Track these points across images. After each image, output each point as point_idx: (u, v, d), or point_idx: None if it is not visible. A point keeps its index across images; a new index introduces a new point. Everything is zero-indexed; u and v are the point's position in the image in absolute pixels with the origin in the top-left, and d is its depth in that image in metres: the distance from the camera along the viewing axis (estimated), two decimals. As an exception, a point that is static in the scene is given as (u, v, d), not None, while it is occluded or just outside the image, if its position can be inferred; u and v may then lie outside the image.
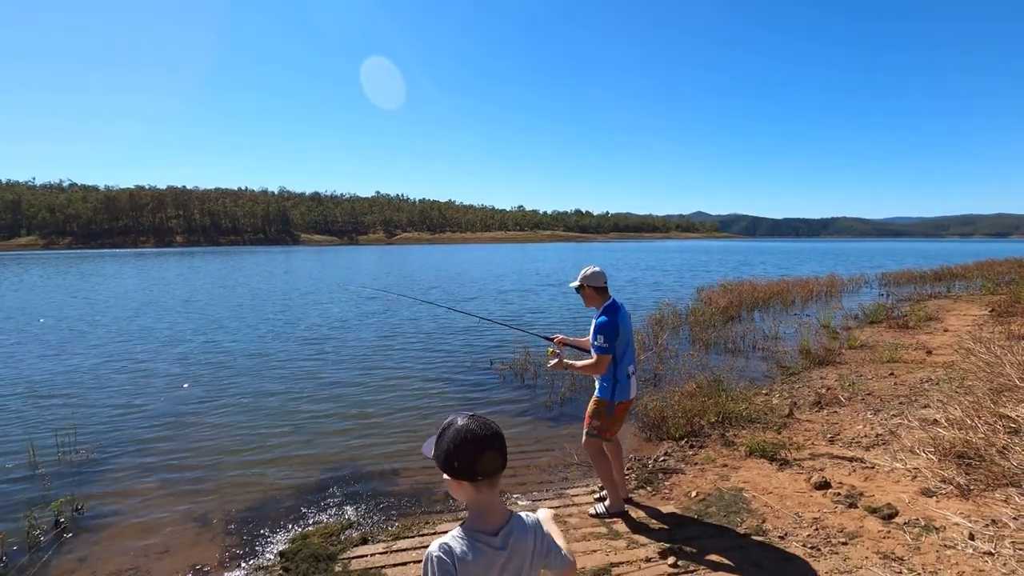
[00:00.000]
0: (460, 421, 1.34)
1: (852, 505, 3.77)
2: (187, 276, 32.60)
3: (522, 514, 1.43)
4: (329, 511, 4.38)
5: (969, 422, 4.64)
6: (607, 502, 3.96)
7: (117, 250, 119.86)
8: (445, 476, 1.34)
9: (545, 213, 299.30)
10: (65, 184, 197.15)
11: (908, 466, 4.28)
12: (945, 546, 3.18)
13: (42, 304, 18.73)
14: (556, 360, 3.77)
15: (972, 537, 3.20)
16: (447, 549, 1.29)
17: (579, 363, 3.77)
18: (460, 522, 1.38)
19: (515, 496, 4.45)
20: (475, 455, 1.30)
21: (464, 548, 1.29)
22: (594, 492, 4.34)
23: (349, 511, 4.36)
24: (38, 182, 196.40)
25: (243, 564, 3.68)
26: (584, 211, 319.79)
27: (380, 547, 3.68)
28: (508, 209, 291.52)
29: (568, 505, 4.16)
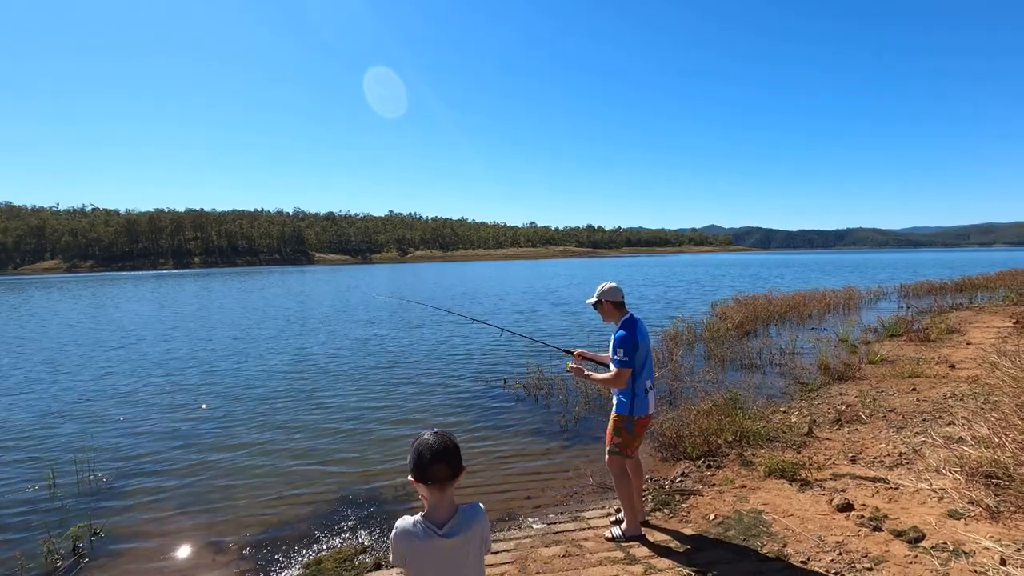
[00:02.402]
0: (424, 436, 1.73)
1: (876, 528, 3.67)
2: (204, 300, 33.10)
3: (467, 507, 1.79)
4: (343, 536, 4.36)
5: (996, 440, 4.51)
6: (624, 525, 3.89)
7: (137, 272, 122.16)
8: (409, 476, 1.73)
9: (557, 229, 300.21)
10: (88, 208, 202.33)
11: (934, 487, 4.16)
12: (975, 572, 3.08)
13: (62, 329, 19.11)
14: (577, 367, 3.84)
15: (1004, 562, 3.09)
16: (406, 529, 1.73)
17: (599, 375, 3.77)
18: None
19: (530, 519, 4.39)
20: (426, 465, 1.68)
21: (418, 530, 1.71)
22: (610, 515, 4.27)
23: (363, 535, 4.34)
24: (62, 207, 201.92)
25: (257, 590, 3.67)
26: (596, 226, 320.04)
27: (394, 572, 3.65)
28: (520, 225, 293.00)
29: (584, 528, 4.09)
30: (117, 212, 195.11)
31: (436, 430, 1.75)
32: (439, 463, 1.68)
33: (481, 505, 1.84)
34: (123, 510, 4.99)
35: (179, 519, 4.77)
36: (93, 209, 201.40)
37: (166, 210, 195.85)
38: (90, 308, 27.32)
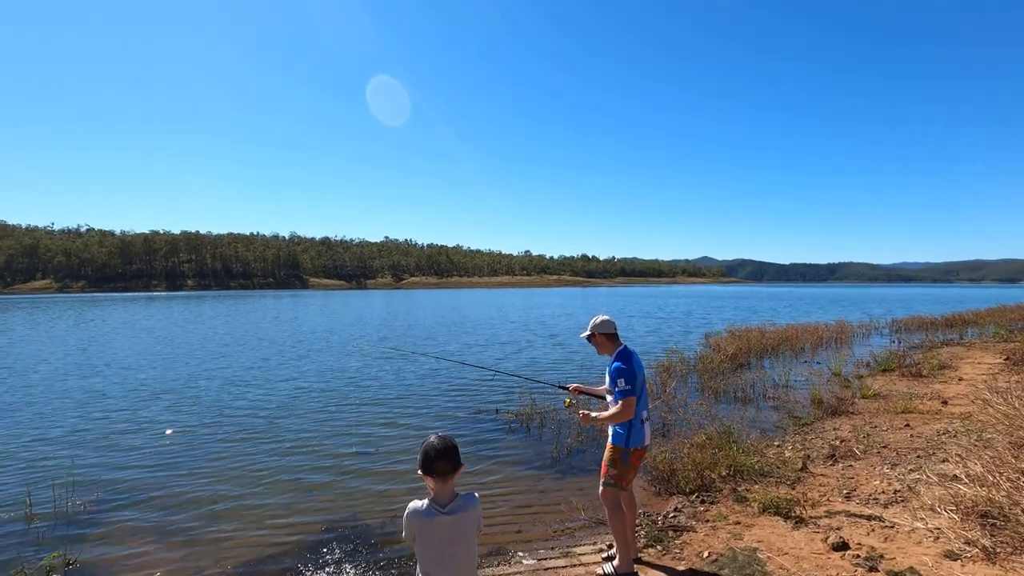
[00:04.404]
0: (430, 439, 2.20)
1: (872, 569, 3.60)
2: (192, 324, 32.82)
3: (465, 494, 2.23)
4: (327, 569, 4.24)
5: (991, 478, 4.48)
6: (616, 561, 3.80)
7: (129, 293, 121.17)
8: (418, 471, 2.18)
9: (552, 258, 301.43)
10: (83, 229, 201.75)
11: (929, 526, 4.11)
12: (973, 615, 3.01)
13: (45, 354, 18.84)
14: (583, 414, 3.74)
15: (1002, 606, 3.03)
16: (416, 509, 2.16)
17: (605, 414, 3.69)
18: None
19: (520, 555, 4.29)
20: (432, 461, 2.15)
21: (425, 510, 2.15)
22: (602, 550, 4.18)
23: (348, 569, 4.22)
24: (57, 227, 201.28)
25: (236, 627, 3.54)
26: (591, 256, 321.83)
27: (379, 610, 3.54)
28: (515, 254, 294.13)
29: (575, 565, 4.00)
30: (112, 233, 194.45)
31: (439, 434, 2.22)
32: (442, 460, 2.14)
33: (476, 494, 2.27)
34: (101, 540, 4.83)
35: (158, 551, 4.62)
36: (88, 229, 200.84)
37: (161, 232, 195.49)
38: (76, 331, 26.98)
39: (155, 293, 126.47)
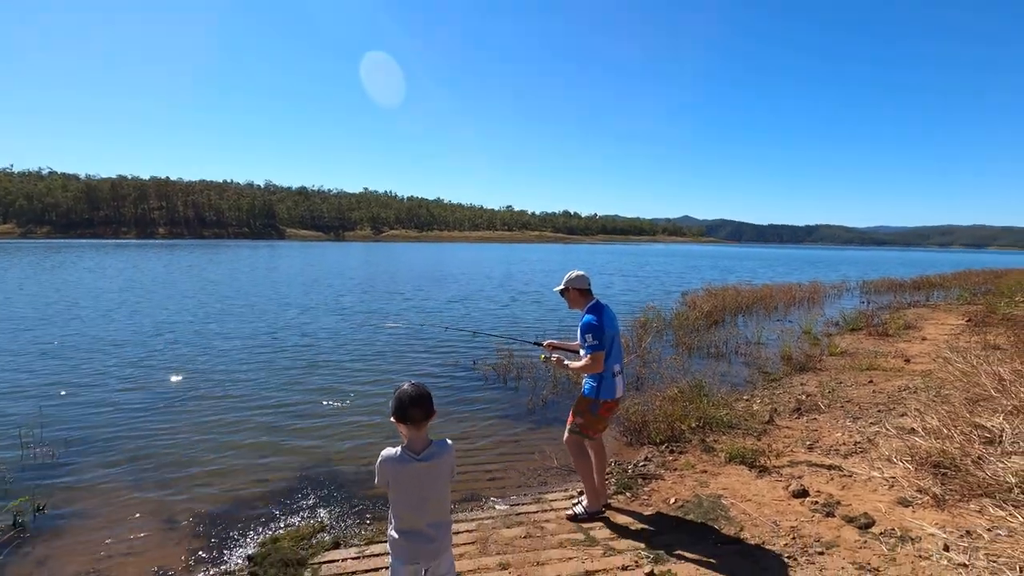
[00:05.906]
0: (403, 386, 2.19)
1: (829, 514, 3.77)
2: (166, 271, 32.06)
3: (438, 441, 2.25)
4: (301, 514, 4.28)
5: (945, 431, 4.68)
6: (585, 502, 3.93)
7: (97, 240, 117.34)
8: (391, 418, 2.17)
9: (533, 214, 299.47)
10: (44, 172, 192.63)
11: (885, 475, 4.30)
12: (920, 557, 3.18)
13: (5, 296, 18.25)
14: (557, 359, 3.85)
15: (947, 548, 3.21)
16: (390, 456, 2.17)
17: (576, 364, 3.75)
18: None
19: (493, 499, 4.39)
20: (406, 408, 2.14)
21: (399, 456, 2.17)
22: (572, 497, 4.29)
23: (322, 514, 4.26)
24: (16, 170, 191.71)
25: (210, 568, 3.57)
26: (572, 212, 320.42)
27: (353, 551, 3.60)
28: (496, 209, 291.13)
29: (546, 510, 4.10)
30: (76, 177, 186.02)
31: (413, 381, 2.22)
32: (416, 407, 2.14)
33: (449, 441, 2.29)
34: (70, 485, 4.79)
35: (130, 495, 4.60)
36: (50, 173, 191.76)
37: (129, 177, 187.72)
38: (40, 275, 26.14)
39: (125, 240, 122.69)
